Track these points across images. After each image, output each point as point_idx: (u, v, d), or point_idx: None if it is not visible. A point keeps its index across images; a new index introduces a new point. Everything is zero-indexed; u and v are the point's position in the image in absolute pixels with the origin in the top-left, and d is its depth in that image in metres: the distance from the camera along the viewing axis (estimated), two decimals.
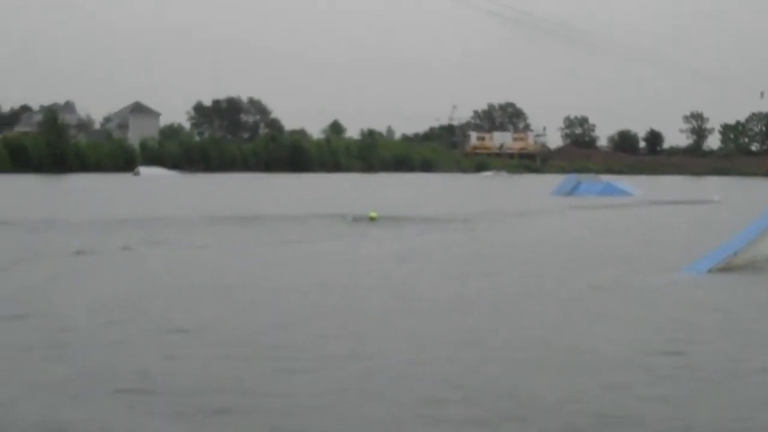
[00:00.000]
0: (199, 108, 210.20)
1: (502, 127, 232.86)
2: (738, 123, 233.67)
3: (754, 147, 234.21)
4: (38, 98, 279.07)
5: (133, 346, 12.98)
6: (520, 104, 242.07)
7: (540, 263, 24.05)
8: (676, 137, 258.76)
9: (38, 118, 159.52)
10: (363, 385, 10.86)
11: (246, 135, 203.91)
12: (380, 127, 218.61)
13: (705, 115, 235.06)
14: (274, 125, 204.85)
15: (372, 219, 38.41)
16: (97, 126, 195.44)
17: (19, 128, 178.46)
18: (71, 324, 14.51)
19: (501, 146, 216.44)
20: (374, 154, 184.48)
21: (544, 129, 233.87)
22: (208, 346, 13.01)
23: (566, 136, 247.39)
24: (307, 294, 17.89)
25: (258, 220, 39.44)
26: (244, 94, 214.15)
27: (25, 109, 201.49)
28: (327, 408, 9.88)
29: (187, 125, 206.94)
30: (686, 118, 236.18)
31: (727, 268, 21.75)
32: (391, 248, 27.92)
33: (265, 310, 16.19)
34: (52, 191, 75.48)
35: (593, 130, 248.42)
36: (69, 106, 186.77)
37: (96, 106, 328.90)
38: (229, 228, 35.24)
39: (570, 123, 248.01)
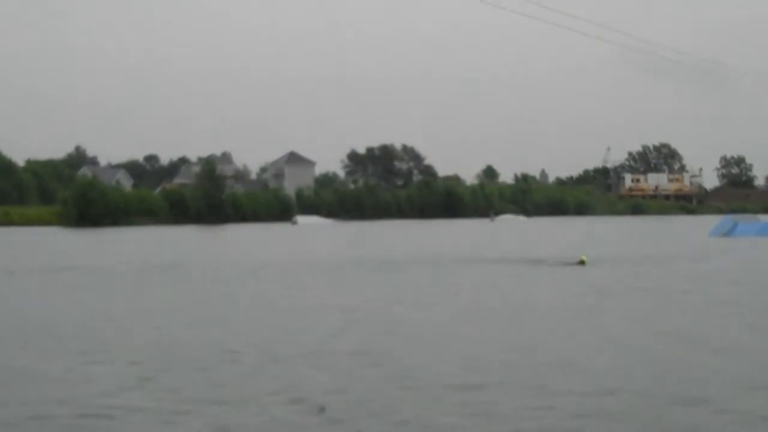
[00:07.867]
0: (353, 156, 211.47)
1: (657, 169, 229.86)
2: None
3: None
4: (196, 150, 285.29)
5: None
6: (674, 145, 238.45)
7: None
8: None
9: (196, 169, 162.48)
10: None
11: (400, 182, 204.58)
12: (534, 171, 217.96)
13: None
14: (428, 171, 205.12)
15: (582, 263, 38.08)
16: (253, 176, 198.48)
17: (177, 180, 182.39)
18: None
19: (656, 188, 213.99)
20: (528, 198, 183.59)
21: (700, 170, 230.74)
22: None
23: (722, 176, 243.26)
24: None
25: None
26: (397, 141, 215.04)
27: (183, 161, 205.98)
28: None
29: (341, 173, 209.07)
30: None
31: None
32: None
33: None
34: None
35: (750, 170, 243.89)
36: (226, 157, 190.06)
37: (252, 156, 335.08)
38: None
39: (726, 163, 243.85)
